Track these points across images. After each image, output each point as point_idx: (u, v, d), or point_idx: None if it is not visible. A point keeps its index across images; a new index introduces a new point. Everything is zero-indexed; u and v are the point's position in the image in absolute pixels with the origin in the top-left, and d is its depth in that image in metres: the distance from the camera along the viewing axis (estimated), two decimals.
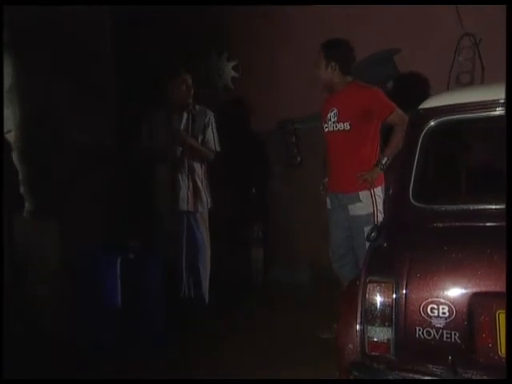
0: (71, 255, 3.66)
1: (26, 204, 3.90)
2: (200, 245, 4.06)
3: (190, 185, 4.00)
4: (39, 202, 3.97)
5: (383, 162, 3.37)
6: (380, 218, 3.34)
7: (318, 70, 3.54)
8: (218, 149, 4.14)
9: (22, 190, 3.90)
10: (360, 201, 3.41)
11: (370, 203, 3.41)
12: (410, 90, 4.11)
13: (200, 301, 4.07)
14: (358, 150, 3.44)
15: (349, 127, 3.42)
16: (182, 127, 4.04)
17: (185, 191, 3.98)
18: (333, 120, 3.49)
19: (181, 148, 3.97)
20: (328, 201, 3.64)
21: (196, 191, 4.03)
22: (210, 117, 4.13)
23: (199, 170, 4.08)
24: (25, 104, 4.01)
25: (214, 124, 4.14)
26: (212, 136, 4.13)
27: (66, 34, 4.26)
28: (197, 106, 4.11)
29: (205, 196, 4.08)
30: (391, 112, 3.39)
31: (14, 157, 3.94)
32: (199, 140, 4.07)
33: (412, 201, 2.06)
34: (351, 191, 3.43)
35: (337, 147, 3.52)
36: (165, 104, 4.07)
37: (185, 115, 4.05)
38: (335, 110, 3.49)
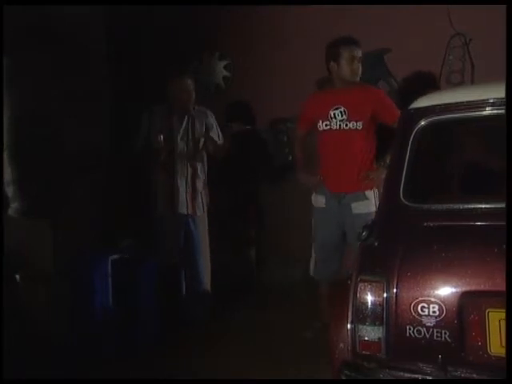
0: (64, 255, 3.64)
1: (16, 204, 3.88)
2: (199, 247, 4.06)
3: (190, 188, 3.99)
4: (32, 202, 3.95)
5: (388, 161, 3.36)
6: None
7: (359, 64, 3.49)
8: (221, 141, 4.13)
9: (12, 190, 3.88)
10: (366, 198, 3.42)
11: (373, 202, 3.42)
12: (401, 89, 4.13)
13: (202, 301, 4.07)
14: (365, 149, 3.46)
15: (361, 126, 3.42)
16: (182, 131, 3.99)
17: (183, 194, 3.97)
18: (339, 118, 3.45)
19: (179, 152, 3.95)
20: (322, 200, 3.57)
21: (195, 194, 4.02)
22: (211, 117, 4.11)
23: (199, 172, 4.06)
24: (15, 104, 3.99)
25: (216, 123, 4.12)
26: (217, 135, 4.11)
27: (58, 34, 4.24)
28: (196, 107, 4.08)
29: (203, 198, 4.08)
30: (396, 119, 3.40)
31: (5, 156, 3.92)
32: (200, 143, 4.05)
33: (403, 200, 2.06)
34: (357, 190, 3.43)
35: (344, 146, 3.45)
36: (165, 105, 4.04)
37: (185, 118, 4.02)
38: (342, 108, 3.45)
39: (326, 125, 3.50)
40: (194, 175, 4.02)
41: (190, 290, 4.09)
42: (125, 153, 4.23)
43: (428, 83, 4.06)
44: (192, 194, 3.99)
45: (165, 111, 4.02)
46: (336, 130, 3.48)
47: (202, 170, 4.08)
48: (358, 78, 3.53)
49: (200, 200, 4.05)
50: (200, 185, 4.06)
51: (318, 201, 3.60)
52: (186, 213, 3.98)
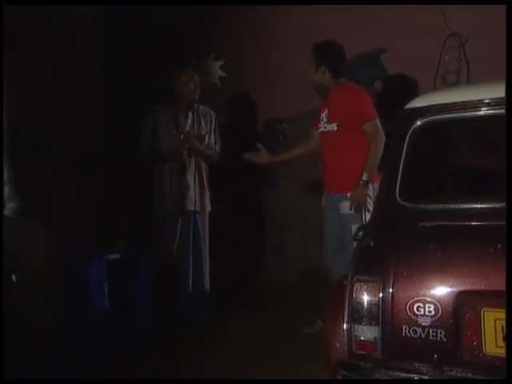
0: (61, 256, 3.65)
1: (12, 204, 3.89)
2: (202, 244, 4.09)
3: (197, 184, 4.02)
4: (30, 202, 3.96)
5: (364, 178, 3.31)
6: (368, 216, 3.33)
7: (310, 70, 3.58)
8: (218, 149, 4.17)
9: (9, 189, 3.89)
10: (349, 199, 3.41)
11: None
12: (397, 89, 4.13)
13: (203, 300, 4.08)
14: (345, 153, 3.45)
15: (336, 128, 3.47)
16: (188, 127, 4.03)
17: (193, 191, 4.00)
18: (324, 120, 3.55)
19: (187, 148, 3.97)
20: (323, 199, 3.67)
21: (202, 190, 4.06)
22: (215, 119, 4.15)
23: (204, 168, 4.10)
24: (15, 104, 4.00)
25: (217, 126, 4.16)
26: (216, 138, 4.15)
27: (58, 34, 4.25)
28: (201, 107, 4.12)
29: (208, 195, 4.11)
30: (368, 120, 3.40)
31: (4, 156, 3.92)
32: (206, 141, 4.09)
33: (398, 200, 2.06)
34: (341, 191, 3.45)
35: (326, 147, 3.56)
36: (168, 104, 4.06)
37: (190, 115, 4.05)
38: (326, 111, 3.54)
39: (319, 127, 3.60)
40: (201, 172, 4.06)
41: (193, 288, 4.09)
42: (129, 153, 4.23)
43: (424, 83, 4.07)
44: (199, 191, 4.03)
45: (169, 109, 4.05)
46: (322, 132, 3.58)
47: (205, 166, 4.11)
48: (312, 84, 3.61)
49: (206, 197, 4.08)
50: (205, 182, 4.10)
51: (322, 200, 3.68)
52: (193, 209, 4.01)
